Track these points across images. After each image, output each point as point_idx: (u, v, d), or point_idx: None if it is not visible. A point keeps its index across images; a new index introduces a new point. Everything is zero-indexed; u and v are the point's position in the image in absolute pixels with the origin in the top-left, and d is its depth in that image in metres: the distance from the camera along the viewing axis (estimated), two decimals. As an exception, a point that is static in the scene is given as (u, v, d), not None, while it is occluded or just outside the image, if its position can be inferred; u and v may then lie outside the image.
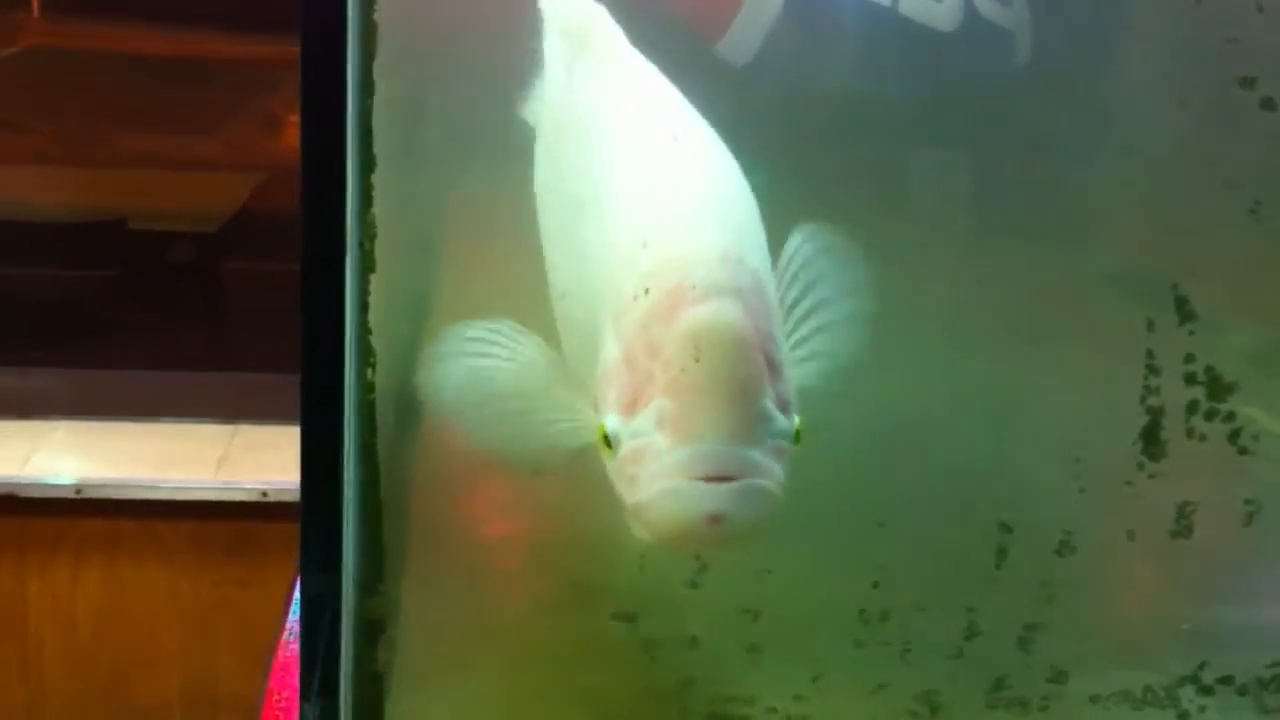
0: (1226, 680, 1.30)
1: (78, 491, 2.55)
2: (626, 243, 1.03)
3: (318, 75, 1.10)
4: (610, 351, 1.00)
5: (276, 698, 1.37)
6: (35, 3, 2.93)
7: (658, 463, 0.95)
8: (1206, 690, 1.30)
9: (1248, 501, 1.27)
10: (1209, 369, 1.23)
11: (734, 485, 0.95)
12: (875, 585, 1.25)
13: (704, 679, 1.28)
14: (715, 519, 0.95)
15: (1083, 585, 1.27)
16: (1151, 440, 1.24)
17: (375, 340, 1.16)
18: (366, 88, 1.11)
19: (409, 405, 1.25)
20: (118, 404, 2.82)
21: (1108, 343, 1.25)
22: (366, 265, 1.14)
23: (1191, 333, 1.23)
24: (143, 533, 2.58)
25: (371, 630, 1.22)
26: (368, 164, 1.12)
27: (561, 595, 1.27)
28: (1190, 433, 1.24)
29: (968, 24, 1.29)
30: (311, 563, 1.17)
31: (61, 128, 3.05)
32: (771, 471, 0.96)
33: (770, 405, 0.96)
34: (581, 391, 1.07)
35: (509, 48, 1.19)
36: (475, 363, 1.11)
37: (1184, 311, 1.22)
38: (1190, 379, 1.24)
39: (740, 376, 0.95)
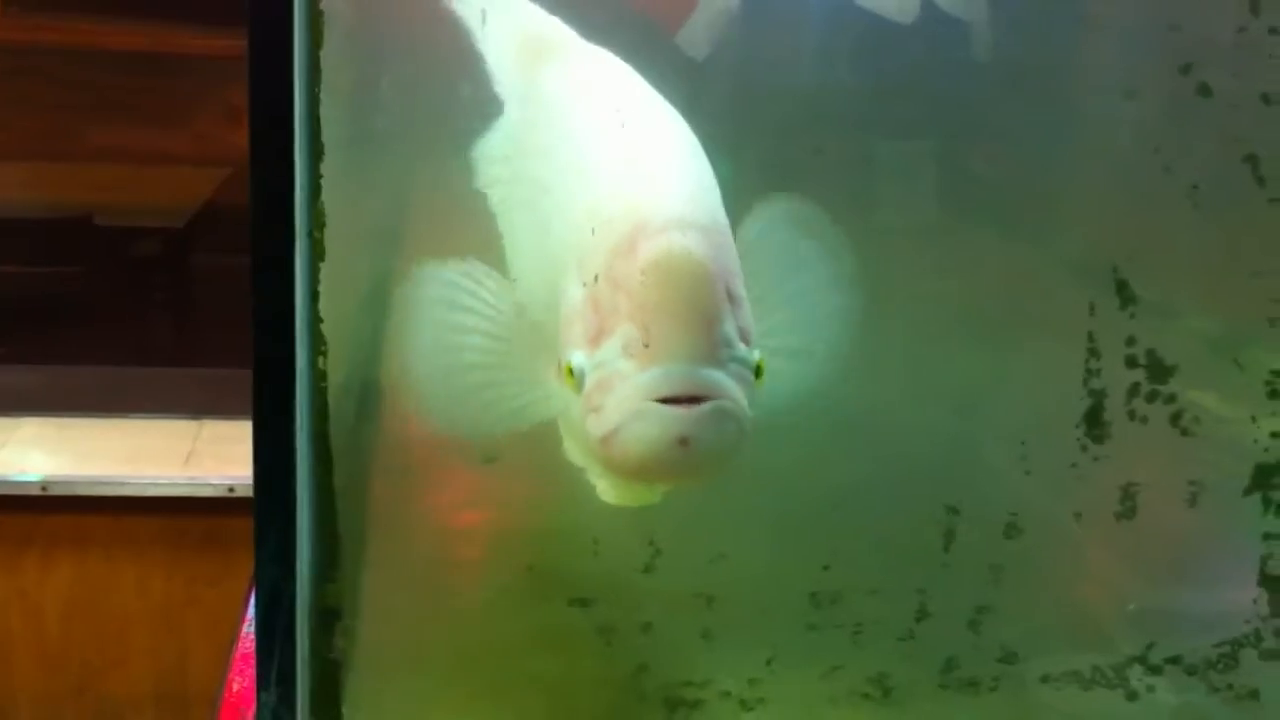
0: (1175, 660, 1.32)
1: (44, 488, 2.54)
2: (590, 198, 1.05)
3: (264, 64, 1.10)
4: (573, 293, 1.02)
5: (235, 685, 1.38)
6: (-1, -2, 2.92)
7: (625, 387, 0.97)
8: (1155, 670, 1.32)
9: (1191, 483, 1.29)
10: (1150, 352, 1.25)
11: (702, 408, 0.96)
12: (826, 568, 1.27)
13: (658, 663, 1.28)
14: (684, 441, 0.96)
15: (1031, 567, 1.29)
16: (1094, 423, 1.26)
17: (326, 329, 1.17)
18: (313, 76, 1.11)
19: (365, 393, 1.26)
20: (85, 400, 2.81)
21: (1051, 327, 1.27)
22: (316, 253, 1.15)
23: (1132, 316, 1.25)
24: (111, 529, 2.58)
25: (327, 618, 1.22)
26: (316, 152, 1.13)
27: (517, 582, 1.27)
28: (1132, 415, 1.26)
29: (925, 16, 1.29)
30: (266, 551, 1.17)
31: (26, 123, 3.03)
32: (736, 394, 0.98)
33: (732, 331, 0.98)
34: (545, 356, 1.08)
35: (455, 32, 1.20)
36: (444, 318, 1.14)
37: (1125, 295, 1.24)
38: (1131, 362, 1.25)
39: (702, 299, 0.97)
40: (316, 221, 1.14)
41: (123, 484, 2.57)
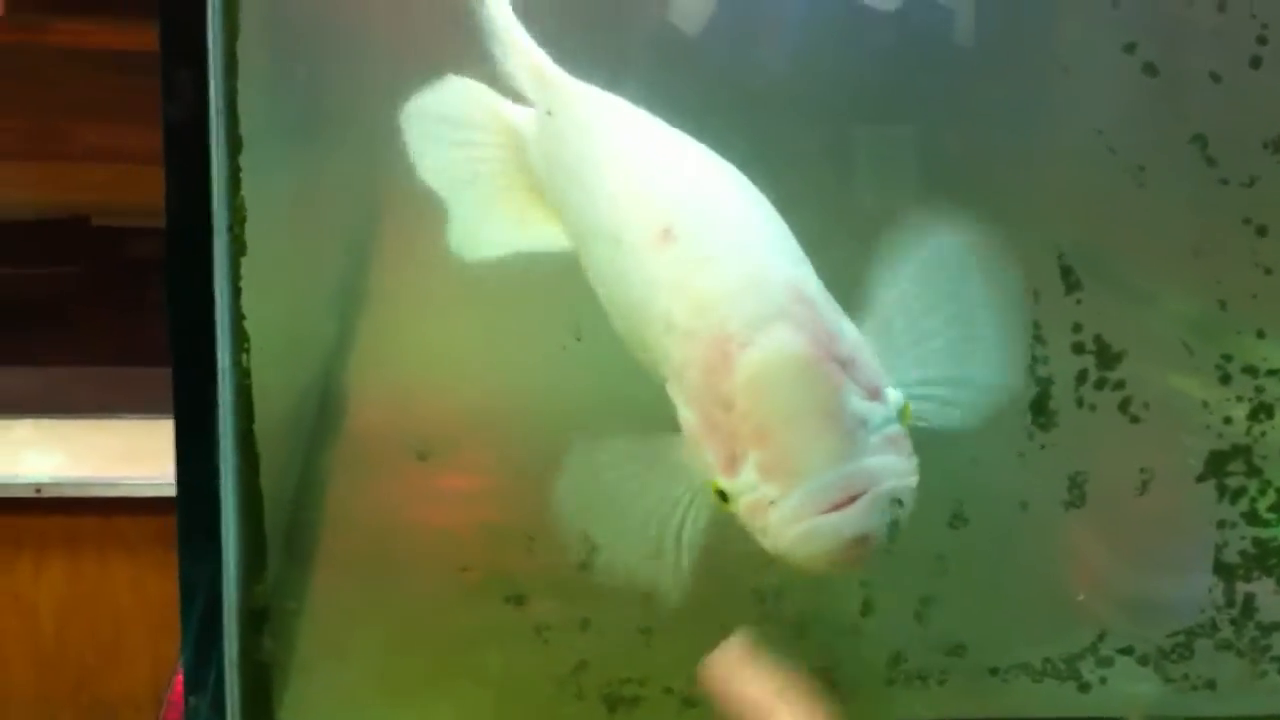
0: (1127, 651, 1.29)
1: (38, 490, 2.54)
2: (655, 297, 0.98)
3: (178, 55, 1.09)
4: (686, 418, 0.96)
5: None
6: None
7: (777, 512, 0.91)
8: (1106, 661, 1.29)
9: (1141, 470, 1.26)
10: (1097, 338, 1.22)
11: (862, 502, 0.90)
12: (769, 563, 1.24)
13: (597, 660, 1.27)
14: (861, 540, 0.91)
15: (976, 557, 1.26)
16: (1041, 410, 1.23)
17: (250, 325, 1.15)
18: (230, 68, 1.10)
19: (298, 390, 1.25)
20: (81, 401, 2.81)
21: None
22: (237, 249, 1.13)
23: (1078, 302, 1.22)
24: (105, 530, 2.58)
25: (256, 619, 1.21)
26: (234, 146, 1.11)
27: (452, 580, 1.26)
28: (1080, 402, 1.23)
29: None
30: (190, 552, 1.16)
31: (25, 124, 3.03)
32: (890, 468, 0.92)
33: (859, 405, 0.92)
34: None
35: (378, 24, 1.17)
36: (610, 491, 1.05)
37: (1069, 281, 1.21)
38: (1079, 349, 1.23)
39: (817, 399, 0.91)
40: (236, 216, 1.13)
41: (115, 485, 2.56)
